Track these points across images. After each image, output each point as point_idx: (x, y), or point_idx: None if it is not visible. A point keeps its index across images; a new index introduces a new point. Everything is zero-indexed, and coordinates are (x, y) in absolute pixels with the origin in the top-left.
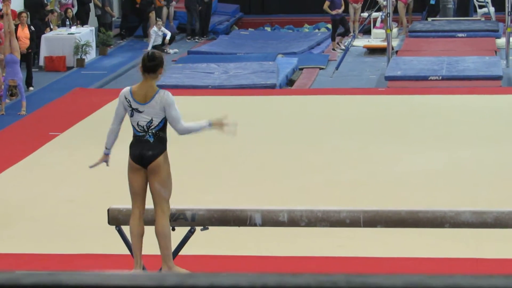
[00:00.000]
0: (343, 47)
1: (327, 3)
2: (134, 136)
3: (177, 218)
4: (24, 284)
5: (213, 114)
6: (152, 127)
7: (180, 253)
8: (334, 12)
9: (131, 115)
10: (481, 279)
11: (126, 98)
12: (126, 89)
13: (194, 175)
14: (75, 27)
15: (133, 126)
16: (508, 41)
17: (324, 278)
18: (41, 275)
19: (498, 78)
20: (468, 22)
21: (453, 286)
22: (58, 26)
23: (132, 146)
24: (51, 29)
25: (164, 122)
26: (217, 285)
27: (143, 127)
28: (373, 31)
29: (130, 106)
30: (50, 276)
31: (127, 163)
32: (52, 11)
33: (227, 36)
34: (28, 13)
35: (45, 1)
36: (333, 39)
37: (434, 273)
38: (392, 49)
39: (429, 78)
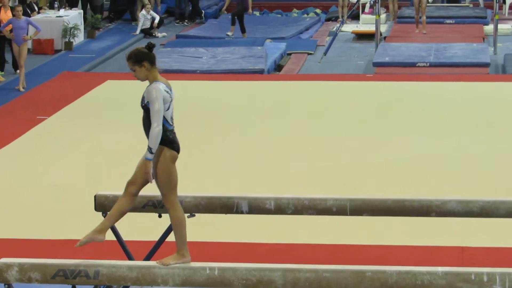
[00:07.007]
0: None
1: None
2: (170, 130)
3: (164, 205)
4: None
5: (201, 98)
6: None
7: (166, 240)
8: None
9: (168, 108)
10: None
11: (166, 90)
12: (159, 83)
13: (179, 162)
14: (63, 9)
15: (166, 120)
16: (496, 28)
17: None
18: None
19: (486, 65)
20: (457, 8)
21: None
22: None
23: (174, 139)
24: (38, 12)
25: None
26: None
27: (173, 119)
28: (362, 16)
29: (171, 97)
30: None
31: (168, 157)
32: None
33: (216, 20)
34: None
35: None
36: None
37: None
38: (381, 35)
39: (417, 65)
